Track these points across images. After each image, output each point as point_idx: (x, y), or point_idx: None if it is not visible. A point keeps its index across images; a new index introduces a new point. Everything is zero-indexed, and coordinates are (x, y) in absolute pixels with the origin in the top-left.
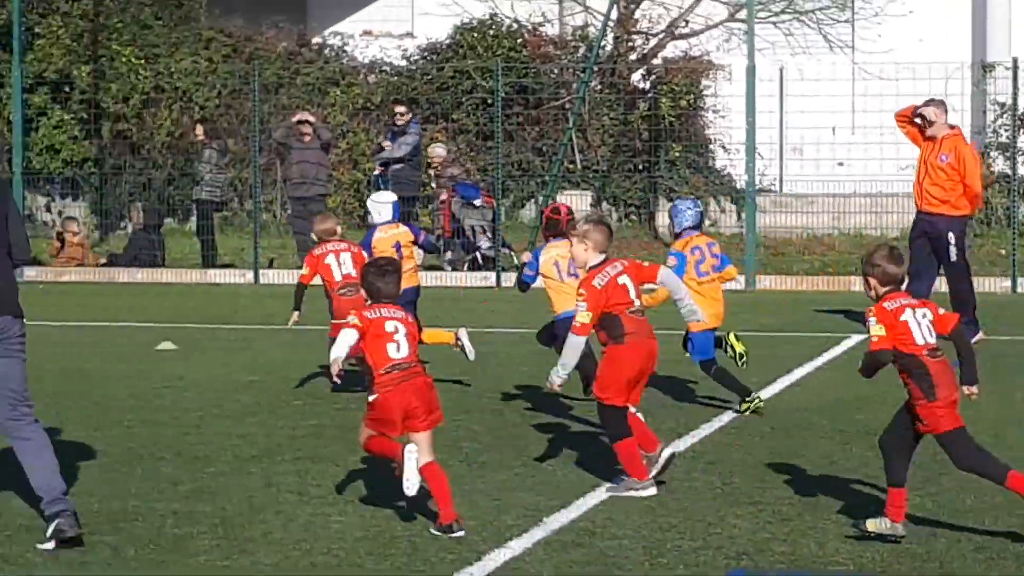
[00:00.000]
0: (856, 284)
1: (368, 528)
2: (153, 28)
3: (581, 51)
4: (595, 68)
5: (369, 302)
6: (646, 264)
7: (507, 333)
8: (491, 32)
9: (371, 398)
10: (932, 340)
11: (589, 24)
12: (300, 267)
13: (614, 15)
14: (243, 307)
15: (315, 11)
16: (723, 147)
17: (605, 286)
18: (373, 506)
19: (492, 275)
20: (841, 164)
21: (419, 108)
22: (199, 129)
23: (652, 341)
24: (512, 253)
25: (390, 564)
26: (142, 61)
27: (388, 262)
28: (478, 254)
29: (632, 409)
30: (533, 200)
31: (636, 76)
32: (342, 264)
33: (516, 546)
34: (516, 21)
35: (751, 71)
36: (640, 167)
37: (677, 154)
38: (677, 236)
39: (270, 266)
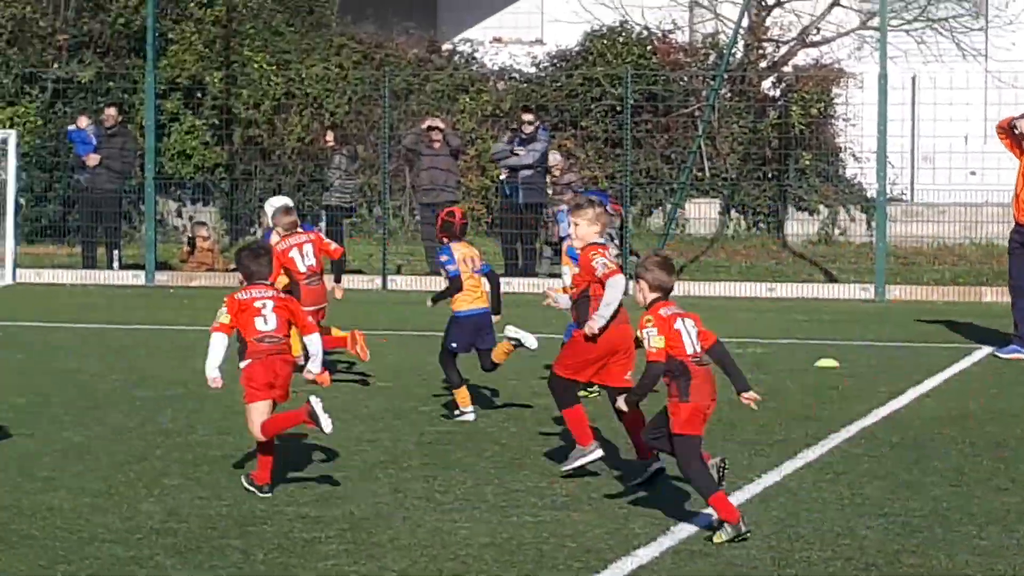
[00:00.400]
0: (988, 295)
1: (495, 535)
2: (285, 34)
3: (711, 58)
4: (725, 75)
5: (245, 283)
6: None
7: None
8: (621, 39)
9: (243, 364)
10: (698, 348)
11: (719, 31)
12: (429, 273)
13: (745, 22)
14: (371, 313)
15: (445, 17)
16: (854, 156)
17: (609, 260)
18: (500, 513)
19: None
20: (973, 173)
21: (548, 115)
22: (329, 135)
23: (623, 326)
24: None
25: (517, 571)
26: (273, 67)
27: (261, 246)
28: None
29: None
30: (661, 208)
31: (766, 84)
32: (305, 256)
33: (643, 554)
34: (646, 28)
35: (883, 79)
36: (769, 175)
37: (807, 162)
38: (562, 240)
39: (398, 272)
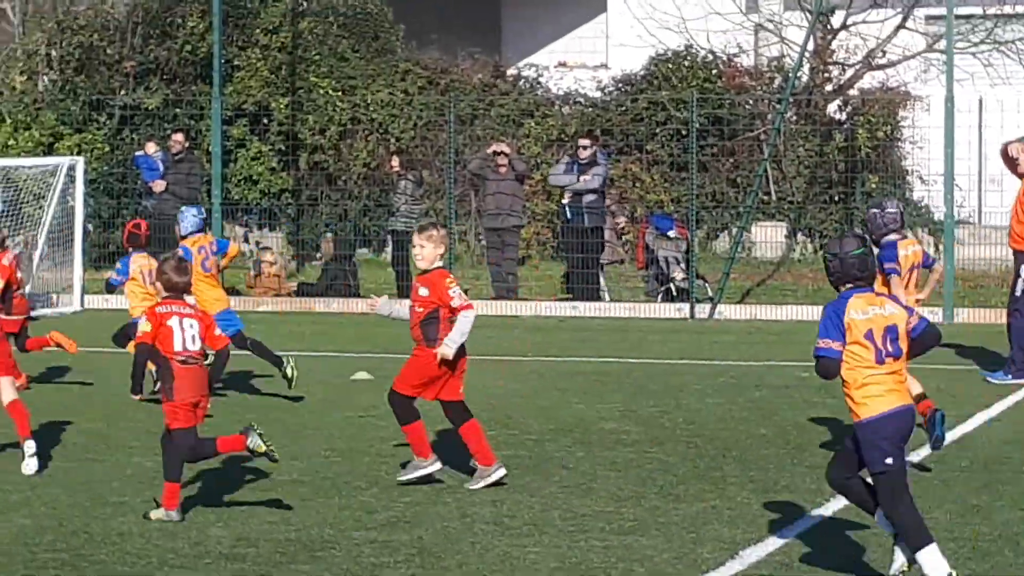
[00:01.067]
0: None
1: (563, 559)
2: (350, 60)
3: (777, 82)
4: (791, 99)
5: None
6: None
7: (700, 365)
8: (686, 63)
9: None
10: (193, 348)
11: (785, 55)
12: (496, 298)
13: (811, 46)
14: None
15: (510, 42)
16: (920, 178)
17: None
18: (568, 537)
19: (686, 306)
20: None
21: (613, 139)
22: (395, 160)
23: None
24: (706, 285)
25: None
26: (339, 93)
27: None
28: (672, 285)
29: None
30: (727, 231)
31: (832, 107)
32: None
33: None
34: (711, 52)
35: (950, 101)
36: (836, 198)
37: (874, 185)
38: (184, 238)
39: None
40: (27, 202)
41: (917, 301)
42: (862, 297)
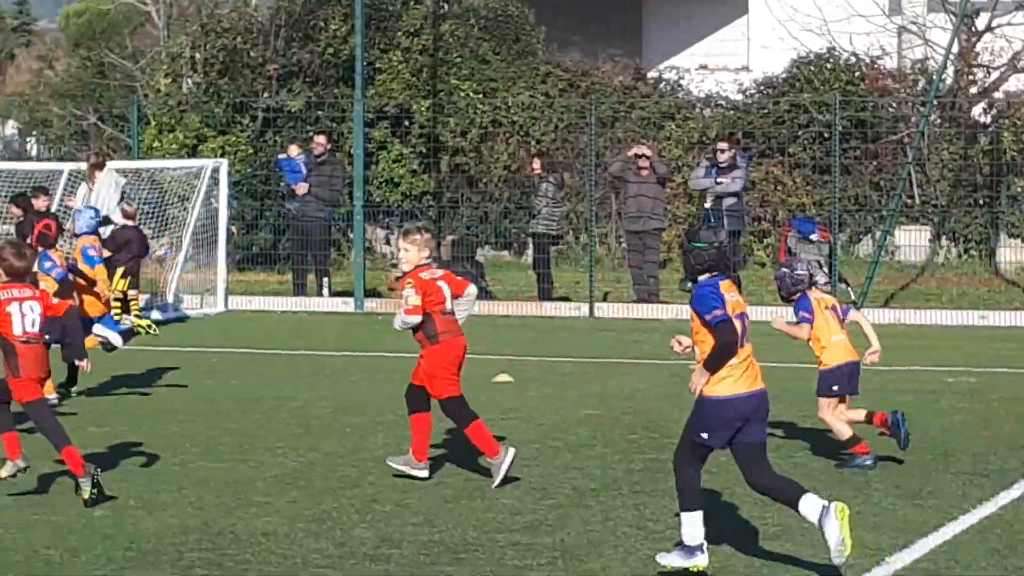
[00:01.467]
0: None
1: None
2: (491, 63)
3: (920, 84)
4: (935, 102)
5: None
6: (458, 278)
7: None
8: (828, 66)
9: None
10: (33, 330)
11: (929, 57)
12: (636, 301)
13: (955, 48)
14: (578, 340)
15: (651, 45)
16: None
17: (429, 281)
18: (713, 543)
19: None
20: None
21: (755, 142)
22: (536, 163)
23: (462, 337)
24: (849, 289)
25: None
26: (480, 95)
27: None
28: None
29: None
30: (870, 235)
31: (977, 110)
32: None
33: None
34: (854, 55)
35: None
36: (981, 202)
37: (1020, 189)
38: (77, 236)
39: (605, 299)
40: (172, 204)
41: (873, 356)
42: (725, 282)
